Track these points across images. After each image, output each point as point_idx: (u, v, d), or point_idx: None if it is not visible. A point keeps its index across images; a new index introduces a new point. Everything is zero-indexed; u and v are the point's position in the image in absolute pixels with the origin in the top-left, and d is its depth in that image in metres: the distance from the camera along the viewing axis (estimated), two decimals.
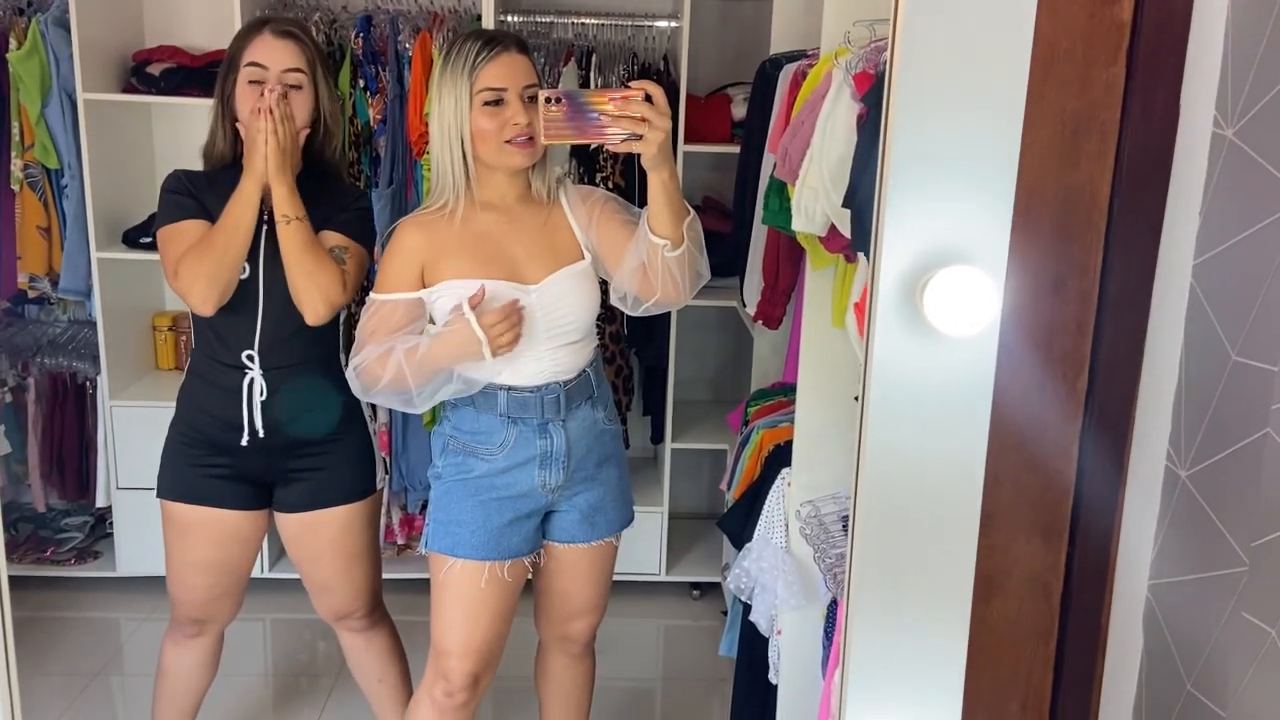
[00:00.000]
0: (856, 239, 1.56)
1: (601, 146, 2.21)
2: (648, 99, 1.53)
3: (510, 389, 1.79)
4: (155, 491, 2.00)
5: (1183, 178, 1.41)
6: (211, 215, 1.88)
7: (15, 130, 2.86)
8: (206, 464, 1.96)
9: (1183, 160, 1.41)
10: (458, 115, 1.71)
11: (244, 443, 1.94)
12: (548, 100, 1.51)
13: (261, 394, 1.92)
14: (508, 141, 1.71)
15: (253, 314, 1.91)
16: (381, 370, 1.72)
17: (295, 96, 1.88)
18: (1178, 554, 1.43)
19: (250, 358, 1.92)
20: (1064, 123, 1.37)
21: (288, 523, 2.03)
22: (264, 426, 1.93)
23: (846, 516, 1.95)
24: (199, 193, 1.90)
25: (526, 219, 1.80)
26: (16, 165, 2.88)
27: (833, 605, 1.90)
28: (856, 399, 1.68)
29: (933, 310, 0.79)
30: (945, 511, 0.86)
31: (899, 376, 0.82)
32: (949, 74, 0.78)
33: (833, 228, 1.82)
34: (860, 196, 1.52)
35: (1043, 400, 1.42)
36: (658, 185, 1.61)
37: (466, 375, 1.75)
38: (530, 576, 1.94)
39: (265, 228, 1.90)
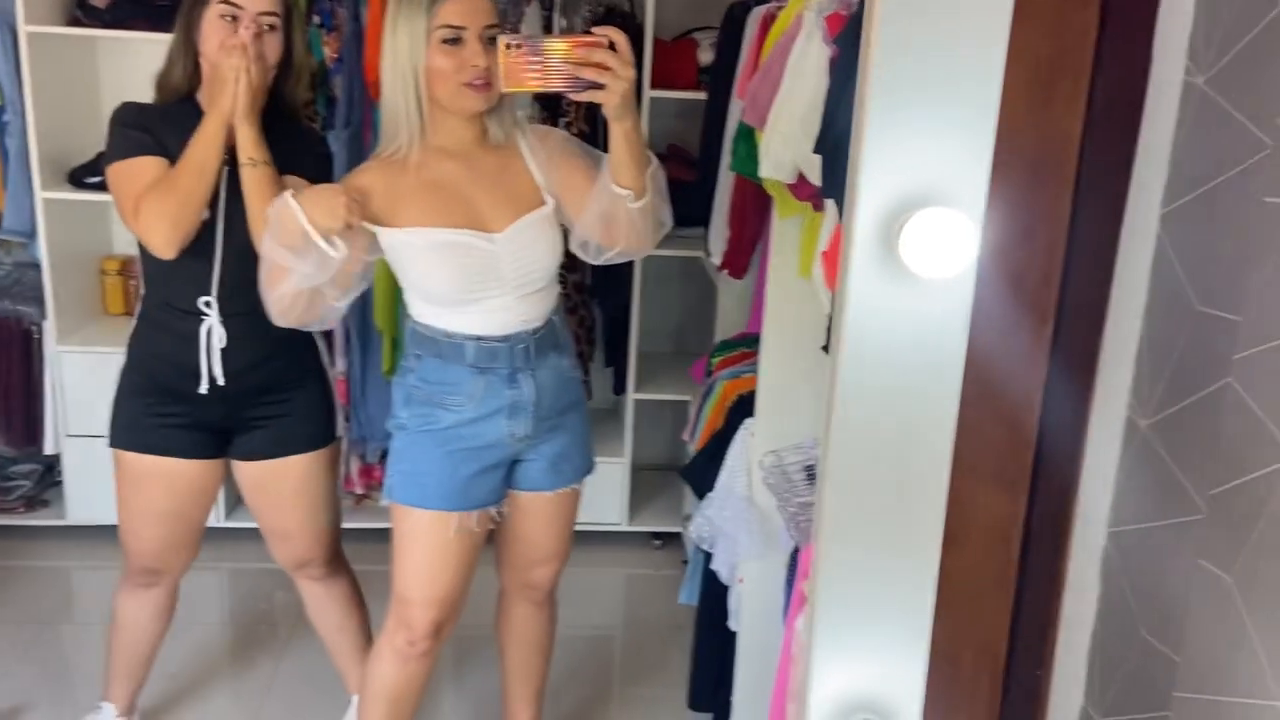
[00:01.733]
0: (827, 185, 1.54)
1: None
2: (611, 46, 1.48)
3: (479, 339, 1.75)
4: (108, 441, 1.95)
5: (1153, 125, 1.40)
6: (167, 151, 1.80)
7: None
8: (162, 412, 1.91)
9: (1154, 107, 1.40)
10: (412, 54, 1.63)
11: (202, 390, 1.89)
12: (507, 46, 1.44)
13: (221, 341, 1.87)
14: (465, 84, 1.65)
15: (210, 258, 1.85)
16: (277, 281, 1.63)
17: (268, 37, 1.81)
18: (1136, 502, 1.44)
19: (208, 304, 1.86)
20: (1036, 67, 1.35)
21: (247, 470, 1.99)
22: (224, 374, 1.88)
23: (810, 466, 1.95)
24: (152, 127, 1.82)
25: (485, 164, 1.75)
26: None
27: (795, 553, 1.91)
28: (824, 349, 1.68)
29: (909, 252, 0.77)
30: (917, 456, 0.85)
31: (873, 320, 0.80)
32: (929, 8, 0.76)
33: (801, 175, 1.80)
34: (831, 141, 1.50)
35: (1008, 349, 1.42)
36: (620, 136, 1.57)
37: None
38: (494, 525, 1.93)
39: (226, 170, 1.83)
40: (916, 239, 0.77)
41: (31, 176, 2.78)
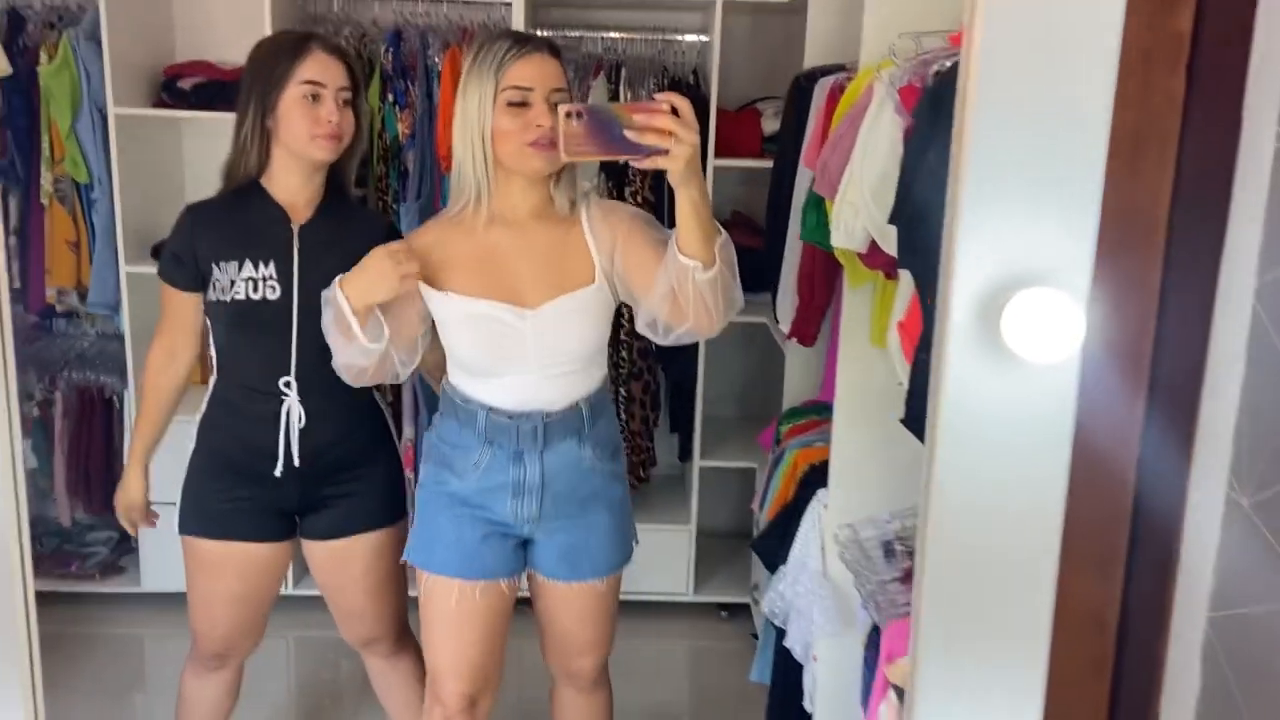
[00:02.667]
0: (903, 257, 1.52)
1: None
2: (674, 112, 1.42)
3: (491, 409, 1.73)
4: (178, 528, 1.96)
5: (1245, 193, 1.35)
6: (210, 261, 1.87)
7: (45, 144, 2.86)
8: (234, 496, 1.92)
9: (1245, 175, 1.36)
10: (480, 113, 1.64)
11: (278, 472, 1.90)
12: (568, 115, 1.42)
13: (300, 421, 1.88)
14: (529, 144, 1.64)
15: (287, 338, 1.87)
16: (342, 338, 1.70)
17: (345, 113, 1.85)
18: (1240, 585, 1.37)
19: (287, 384, 1.87)
20: (1123, 136, 1.32)
21: (316, 550, 1.99)
22: (300, 455, 1.89)
23: (888, 542, 1.90)
24: (201, 244, 1.87)
25: (539, 236, 1.72)
26: (46, 179, 2.88)
27: (874, 632, 1.85)
28: (902, 421, 1.64)
29: (1013, 335, 0.74)
30: (1022, 546, 0.82)
31: (973, 404, 0.77)
32: (1029, 82, 0.74)
33: (873, 244, 1.78)
34: (907, 213, 1.48)
35: (1101, 427, 1.37)
36: (686, 203, 1.50)
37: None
38: (527, 594, 1.89)
39: (298, 247, 1.86)
40: (1020, 321, 0.75)
41: (117, 251, 2.87)
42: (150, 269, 2.91)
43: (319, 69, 1.82)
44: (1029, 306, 0.74)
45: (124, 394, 3.01)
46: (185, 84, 2.91)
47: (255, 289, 1.85)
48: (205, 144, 3.14)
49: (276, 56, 1.84)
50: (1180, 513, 1.46)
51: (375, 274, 1.64)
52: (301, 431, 1.88)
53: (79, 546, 3.20)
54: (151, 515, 2.05)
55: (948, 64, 1.39)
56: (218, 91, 2.90)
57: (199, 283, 1.89)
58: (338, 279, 1.67)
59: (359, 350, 1.69)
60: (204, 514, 1.93)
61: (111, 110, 2.78)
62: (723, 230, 1.57)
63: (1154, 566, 1.49)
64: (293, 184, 1.89)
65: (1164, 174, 1.38)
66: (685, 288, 1.56)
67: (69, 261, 2.93)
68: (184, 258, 1.89)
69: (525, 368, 1.70)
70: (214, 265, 1.86)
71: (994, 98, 0.74)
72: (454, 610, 1.76)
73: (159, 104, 2.94)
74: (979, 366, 0.76)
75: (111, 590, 3.10)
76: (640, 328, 1.69)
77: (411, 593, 2.77)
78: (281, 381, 1.87)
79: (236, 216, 1.88)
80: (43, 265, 2.93)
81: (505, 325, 1.69)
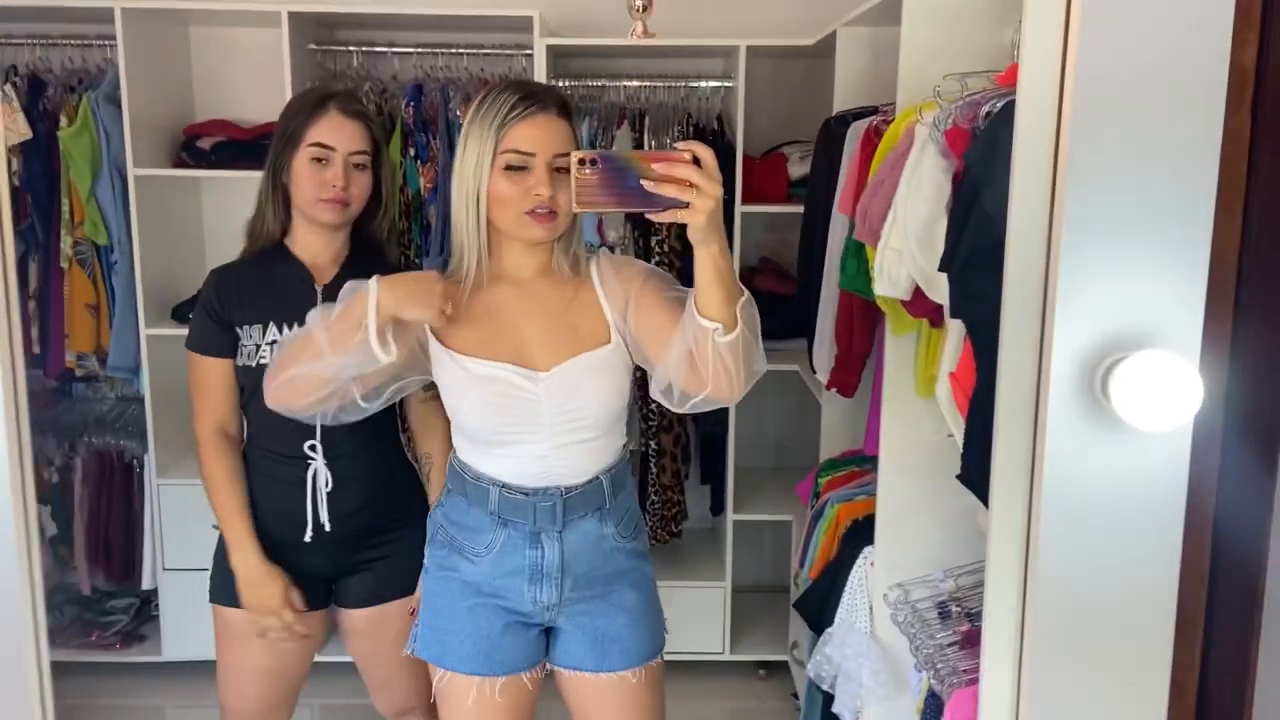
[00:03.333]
0: (956, 305, 1.45)
1: None
2: (696, 162, 1.30)
3: (504, 486, 1.60)
4: (208, 596, 1.89)
5: None
6: (237, 324, 1.81)
7: (65, 208, 2.84)
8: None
9: None
10: (477, 173, 1.52)
11: (307, 539, 1.83)
12: (581, 163, 1.30)
13: (327, 485, 1.82)
14: (527, 213, 1.52)
15: None
16: (282, 363, 1.54)
17: (357, 176, 1.81)
18: None
19: (313, 448, 1.82)
20: (1238, 175, 1.25)
21: (351, 618, 1.92)
22: (330, 519, 1.83)
23: (943, 603, 1.81)
24: (229, 308, 1.82)
25: (546, 295, 1.60)
26: (66, 243, 2.85)
27: (931, 698, 1.75)
28: (959, 479, 1.56)
29: (1123, 401, 0.67)
30: (1133, 626, 0.74)
31: (1077, 475, 0.70)
32: (1129, 128, 0.68)
33: (917, 291, 1.71)
34: (960, 260, 1.42)
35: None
36: (707, 261, 1.36)
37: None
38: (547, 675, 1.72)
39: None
40: (1130, 386, 0.67)
41: (137, 314, 2.83)
42: (170, 330, 2.88)
43: (329, 131, 1.78)
44: (1139, 370, 0.67)
45: (144, 458, 2.95)
46: (204, 143, 2.89)
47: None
48: (225, 203, 3.12)
49: (294, 116, 1.82)
50: (1262, 574, 1.37)
51: (421, 290, 1.50)
52: (329, 495, 1.82)
53: (99, 615, 3.13)
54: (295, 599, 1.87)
55: (1000, 104, 1.33)
56: (237, 150, 2.88)
57: (231, 347, 1.83)
58: (374, 278, 1.51)
59: (349, 359, 1.49)
60: (233, 582, 1.86)
61: (131, 171, 2.76)
62: (745, 290, 1.43)
63: (1235, 630, 1.40)
64: (315, 244, 1.85)
65: (1233, 215, 1.31)
66: (704, 351, 1.42)
67: (88, 325, 2.89)
68: (215, 321, 1.83)
69: (538, 436, 1.57)
70: (240, 329, 1.82)
71: (1091, 146, 0.67)
72: (472, 709, 1.63)
73: (178, 164, 2.92)
74: (1083, 434, 0.69)
75: (132, 660, 3.02)
76: (654, 394, 1.55)
77: None
78: (307, 445, 1.82)
79: (261, 279, 1.84)
80: (62, 329, 2.89)
81: (515, 389, 1.55)
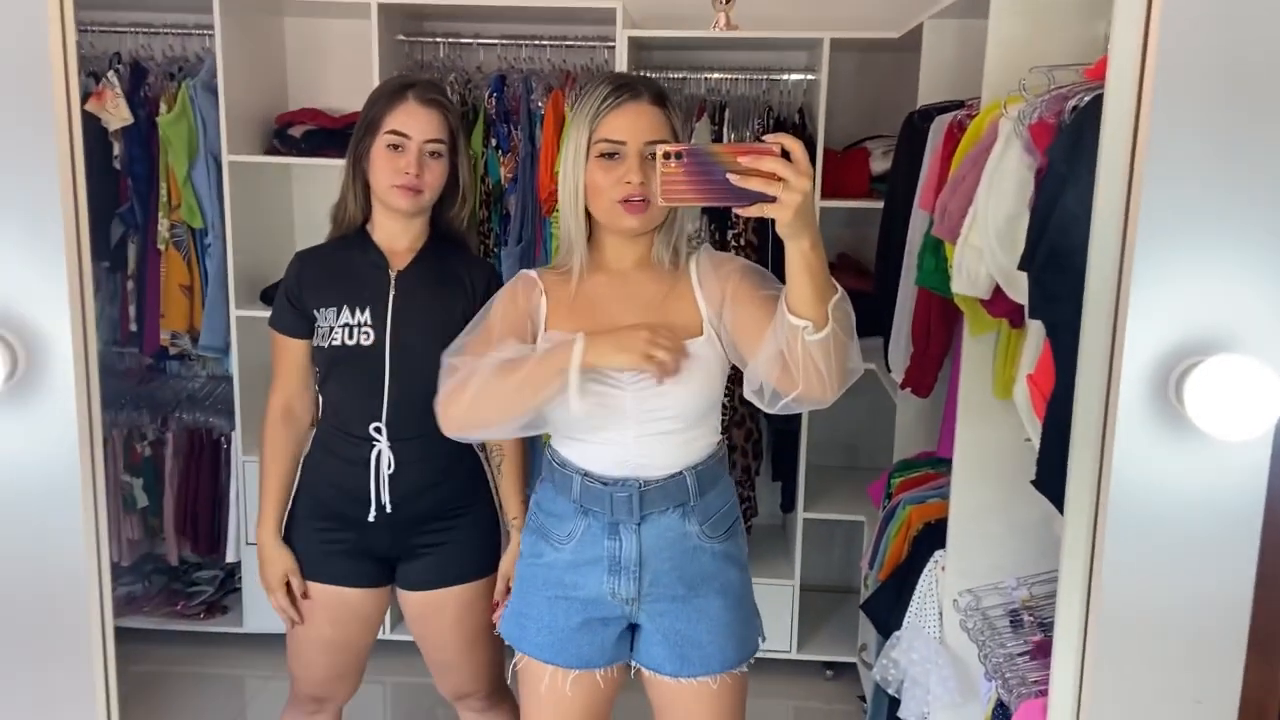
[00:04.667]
0: (1035, 305, 1.41)
1: None
2: (784, 154, 1.26)
3: (586, 474, 1.60)
4: None
5: None
6: (313, 306, 1.87)
7: (163, 191, 2.94)
8: (331, 539, 1.91)
9: None
10: (575, 164, 1.55)
11: (370, 518, 1.88)
12: (666, 156, 1.28)
13: (389, 466, 1.86)
14: (619, 201, 1.52)
15: (379, 383, 1.85)
16: (463, 392, 1.52)
17: (432, 164, 1.84)
18: None
19: (378, 429, 1.86)
20: None
21: (411, 600, 1.96)
22: (391, 501, 1.87)
23: (1015, 611, 1.77)
24: (305, 291, 1.89)
25: (644, 286, 1.60)
26: (163, 226, 2.96)
27: (999, 707, 1.71)
28: (1034, 484, 1.52)
29: (1198, 408, 0.64)
30: (1203, 642, 0.71)
31: (1147, 485, 0.68)
32: (1210, 122, 0.65)
33: (997, 290, 1.67)
34: (1041, 258, 1.37)
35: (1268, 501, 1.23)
36: (797, 256, 1.33)
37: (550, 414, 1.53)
38: (632, 671, 1.71)
39: (393, 296, 1.86)
40: (1206, 392, 0.64)
41: (228, 295, 2.93)
42: (259, 312, 2.96)
43: (405, 119, 1.81)
44: (1216, 375, 0.64)
45: (232, 435, 3.05)
46: (296, 131, 2.97)
47: (350, 335, 1.85)
48: (314, 190, 3.19)
49: (375, 104, 1.86)
50: None
51: (626, 339, 1.48)
52: (391, 477, 1.86)
53: (185, 586, 3.25)
54: (304, 584, 1.94)
55: (1087, 99, 1.29)
56: (326, 138, 2.95)
57: (308, 329, 1.90)
58: (582, 335, 1.49)
59: (539, 400, 1.50)
60: (303, 556, 1.93)
61: (226, 158, 2.85)
62: (839, 287, 1.39)
63: None
64: (393, 230, 1.89)
65: None
66: (795, 350, 1.39)
67: (182, 305, 3.00)
68: (293, 303, 1.90)
69: (623, 424, 1.56)
70: (316, 311, 1.88)
71: (1170, 140, 0.64)
72: (544, 695, 1.66)
73: (271, 151, 3.01)
74: (1155, 442, 0.67)
75: (215, 630, 3.13)
76: (747, 394, 1.51)
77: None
78: (372, 426, 1.86)
79: (340, 262, 1.90)
80: (158, 309, 3.01)
81: (602, 378, 1.54)
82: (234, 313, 2.93)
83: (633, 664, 1.70)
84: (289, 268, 1.94)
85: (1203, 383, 0.64)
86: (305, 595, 1.93)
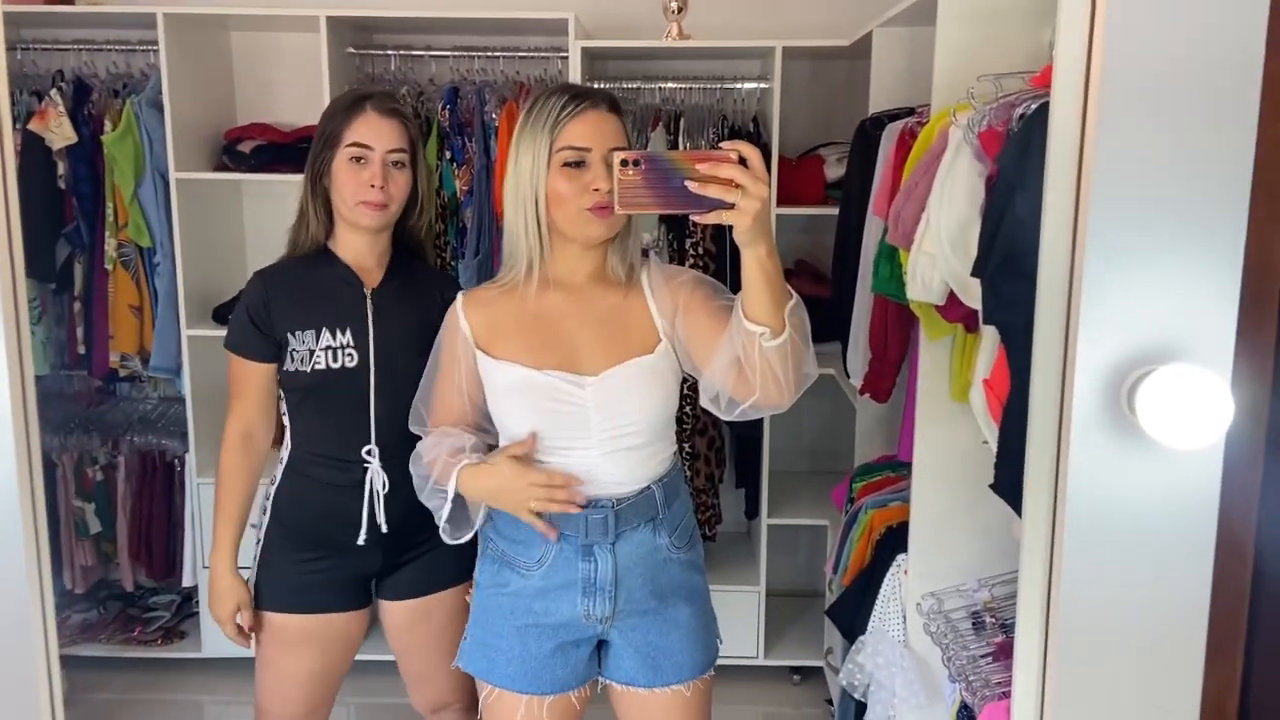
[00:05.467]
0: (989, 311, 1.43)
1: None
2: (742, 161, 1.28)
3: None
4: (252, 603, 1.89)
5: None
6: (286, 330, 1.82)
7: (110, 210, 2.89)
8: (313, 569, 1.86)
9: None
10: (534, 175, 1.52)
11: (360, 541, 1.84)
12: (624, 164, 1.28)
13: (384, 487, 1.82)
14: (588, 209, 1.52)
15: (366, 406, 1.81)
16: (429, 470, 1.62)
17: (396, 175, 1.80)
18: None
19: (369, 452, 1.82)
20: (1273, 191, 1.22)
21: (395, 611, 1.92)
22: (386, 520, 1.83)
23: (977, 613, 1.78)
24: (272, 315, 1.83)
25: (597, 300, 1.60)
26: (110, 245, 2.90)
27: (964, 709, 1.72)
28: (992, 488, 1.53)
29: (1150, 418, 0.65)
30: (1163, 645, 0.71)
31: (1103, 493, 0.68)
32: (1157, 130, 0.65)
33: (952, 296, 1.68)
34: (993, 265, 1.39)
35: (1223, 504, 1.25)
36: (754, 263, 1.34)
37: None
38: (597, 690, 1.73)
39: (372, 317, 1.82)
40: (1157, 402, 0.65)
41: (179, 315, 2.88)
42: (211, 332, 2.92)
43: (366, 131, 1.78)
44: (1167, 385, 0.65)
45: (186, 457, 3.00)
46: (245, 147, 2.93)
47: (335, 358, 1.80)
48: (265, 206, 3.16)
49: (332, 118, 1.82)
50: None
51: (508, 493, 1.56)
52: (386, 496, 1.83)
53: (141, 611, 3.19)
54: (257, 615, 1.90)
55: (1034, 106, 1.30)
56: (277, 153, 2.91)
57: (274, 353, 1.83)
58: (459, 468, 1.57)
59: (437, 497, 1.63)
60: (283, 588, 1.87)
61: (173, 175, 2.81)
62: (794, 293, 1.42)
63: (1275, 648, 1.36)
64: (359, 247, 1.85)
65: (1276, 226, 1.27)
66: (751, 357, 1.41)
67: (132, 326, 2.94)
68: (259, 327, 1.83)
69: (587, 442, 1.56)
70: (290, 335, 1.81)
71: (1117, 151, 0.65)
72: None
73: (219, 167, 2.96)
74: (1109, 451, 0.67)
75: (173, 655, 3.07)
76: (704, 402, 1.54)
77: None
78: (364, 450, 1.82)
79: (310, 285, 1.84)
80: (106, 330, 2.94)
81: (563, 395, 1.55)
82: (185, 332, 2.88)
83: (600, 680, 1.69)
84: (249, 288, 1.87)
85: (1154, 392, 0.65)
86: (252, 629, 1.89)
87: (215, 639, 3.00)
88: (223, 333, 2.87)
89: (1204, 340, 0.66)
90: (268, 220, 3.16)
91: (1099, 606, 0.71)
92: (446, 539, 1.63)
